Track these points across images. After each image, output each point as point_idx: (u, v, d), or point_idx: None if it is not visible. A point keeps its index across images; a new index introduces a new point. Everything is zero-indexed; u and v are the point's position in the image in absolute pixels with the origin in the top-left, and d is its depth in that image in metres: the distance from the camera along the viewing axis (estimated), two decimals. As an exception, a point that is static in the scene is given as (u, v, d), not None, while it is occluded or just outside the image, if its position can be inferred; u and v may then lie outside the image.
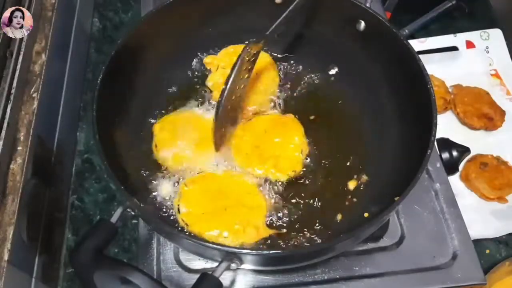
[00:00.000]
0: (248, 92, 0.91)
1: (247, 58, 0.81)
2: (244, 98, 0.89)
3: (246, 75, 0.85)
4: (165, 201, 0.81)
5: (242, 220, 0.77)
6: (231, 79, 0.78)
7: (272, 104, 0.93)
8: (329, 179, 0.85)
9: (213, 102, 0.92)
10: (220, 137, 0.84)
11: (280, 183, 0.84)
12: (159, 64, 0.93)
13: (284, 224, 0.80)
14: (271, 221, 0.80)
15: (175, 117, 0.90)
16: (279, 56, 0.99)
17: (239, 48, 0.95)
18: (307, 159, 0.86)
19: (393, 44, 0.84)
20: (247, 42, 0.84)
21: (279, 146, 0.87)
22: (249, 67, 0.84)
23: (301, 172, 0.85)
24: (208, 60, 0.96)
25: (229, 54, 0.96)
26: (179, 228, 0.77)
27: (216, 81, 0.94)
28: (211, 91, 0.94)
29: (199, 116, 0.91)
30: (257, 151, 0.86)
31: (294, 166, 0.85)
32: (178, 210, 0.79)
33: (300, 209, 0.81)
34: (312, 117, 0.91)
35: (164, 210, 0.81)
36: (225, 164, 0.85)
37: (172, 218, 0.80)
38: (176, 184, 0.83)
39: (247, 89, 0.88)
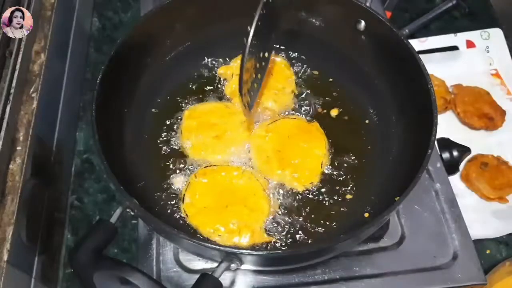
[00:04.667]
0: (268, 91, 0.91)
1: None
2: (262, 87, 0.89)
3: (259, 74, 0.84)
4: (176, 193, 0.82)
5: (239, 221, 0.77)
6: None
7: (295, 103, 0.93)
8: (332, 185, 0.84)
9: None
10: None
11: (292, 191, 0.83)
12: (159, 64, 0.93)
13: (283, 233, 0.79)
14: (270, 227, 0.79)
15: (205, 106, 0.91)
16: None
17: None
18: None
19: (393, 43, 0.84)
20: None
21: (301, 154, 0.85)
22: (263, 64, 0.83)
23: (317, 184, 0.84)
24: (221, 70, 0.96)
25: None
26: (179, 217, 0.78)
27: (233, 89, 0.93)
28: (227, 99, 0.94)
29: (227, 107, 0.91)
30: (278, 155, 0.85)
31: (312, 178, 0.83)
32: (183, 199, 0.80)
33: (302, 221, 0.80)
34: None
35: (175, 202, 0.81)
36: (243, 161, 0.85)
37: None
38: (188, 175, 0.84)
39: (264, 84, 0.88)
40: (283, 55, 0.98)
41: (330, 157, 0.86)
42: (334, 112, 0.92)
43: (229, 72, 0.95)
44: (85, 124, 1.09)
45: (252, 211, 0.78)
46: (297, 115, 0.91)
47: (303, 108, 0.92)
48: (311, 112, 0.92)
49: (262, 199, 0.80)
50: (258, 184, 0.82)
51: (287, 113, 0.92)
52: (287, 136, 0.87)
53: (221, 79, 0.96)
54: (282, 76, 0.95)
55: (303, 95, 0.94)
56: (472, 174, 1.03)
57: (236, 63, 0.96)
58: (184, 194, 0.81)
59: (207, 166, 0.84)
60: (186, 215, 0.79)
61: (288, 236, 0.78)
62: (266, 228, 0.79)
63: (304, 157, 0.85)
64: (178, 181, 0.83)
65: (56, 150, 0.96)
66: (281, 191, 0.83)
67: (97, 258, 0.65)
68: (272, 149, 0.86)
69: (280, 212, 0.81)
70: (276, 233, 0.79)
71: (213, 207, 0.79)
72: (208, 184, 0.81)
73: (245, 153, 0.86)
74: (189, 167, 0.85)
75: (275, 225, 0.79)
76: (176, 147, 0.87)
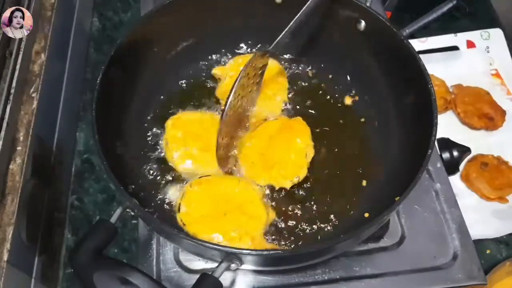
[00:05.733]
0: (258, 100, 0.91)
1: (253, 73, 0.81)
2: (251, 110, 0.89)
3: (255, 88, 0.85)
4: (170, 200, 0.82)
5: (239, 228, 0.76)
6: (231, 96, 0.77)
7: (283, 109, 0.92)
8: (333, 186, 0.84)
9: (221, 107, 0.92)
10: (224, 154, 0.83)
11: (283, 193, 0.83)
12: (160, 64, 0.93)
13: (282, 238, 0.79)
14: (269, 233, 0.79)
15: (189, 116, 0.90)
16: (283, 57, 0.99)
17: (248, 58, 0.95)
18: (312, 164, 0.84)
19: (394, 43, 0.84)
20: (253, 54, 0.84)
21: (283, 151, 0.84)
22: (257, 80, 0.83)
23: (305, 179, 0.83)
24: (216, 71, 0.96)
25: (238, 64, 0.94)
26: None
27: (225, 90, 0.91)
28: (218, 101, 0.93)
29: (213, 118, 0.89)
30: (263, 158, 0.84)
31: (298, 172, 0.83)
32: (179, 209, 0.79)
33: (301, 223, 0.80)
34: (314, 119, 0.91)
35: (169, 209, 0.81)
36: (233, 171, 0.85)
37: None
38: (183, 184, 0.83)
39: (256, 101, 0.88)
40: (281, 56, 0.97)
41: (329, 159, 0.86)
42: (334, 113, 0.91)
43: (224, 72, 0.95)
44: (85, 124, 1.09)
45: (251, 218, 0.78)
46: (281, 116, 0.91)
47: (292, 110, 0.92)
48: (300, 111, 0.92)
49: (259, 207, 0.79)
50: (254, 193, 0.81)
51: (271, 118, 0.91)
52: (268, 138, 0.86)
53: (217, 79, 0.96)
54: (275, 83, 0.93)
55: (298, 96, 0.94)
56: (472, 174, 1.02)
57: (230, 65, 0.96)
58: (179, 204, 0.80)
59: (202, 177, 0.83)
60: (183, 224, 0.77)
61: (288, 240, 0.79)
62: (266, 235, 0.79)
63: (287, 153, 0.84)
64: (173, 188, 0.83)
65: (56, 150, 0.95)
66: (277, 196, 0.83)
67: (97, 258, 0.65)
68: (256, 154, 0.85)
69: (278, 218, 0.81)
70: (276, 240, 0.79)
71: (210, 215, 0.78)
72: (204, 193, 0.80)
73: (235, 163, 0.85)
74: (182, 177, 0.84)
75: (275, 230, 0.80)
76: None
